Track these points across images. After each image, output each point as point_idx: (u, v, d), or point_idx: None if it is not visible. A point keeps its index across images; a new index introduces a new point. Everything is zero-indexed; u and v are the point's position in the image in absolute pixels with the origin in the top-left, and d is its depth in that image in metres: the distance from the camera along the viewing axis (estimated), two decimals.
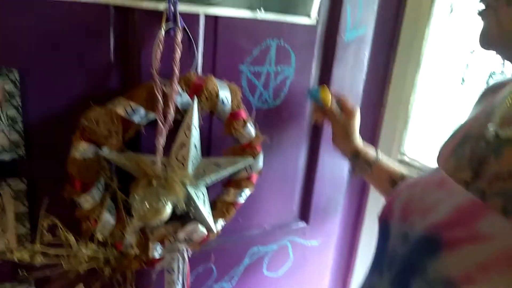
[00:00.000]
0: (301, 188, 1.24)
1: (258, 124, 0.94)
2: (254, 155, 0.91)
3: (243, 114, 0.87)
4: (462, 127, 0.61)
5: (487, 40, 0.51)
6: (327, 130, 1.17)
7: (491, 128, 0.51)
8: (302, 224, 1.27)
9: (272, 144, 1.09)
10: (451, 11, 1.15)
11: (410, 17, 1.17)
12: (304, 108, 1.11)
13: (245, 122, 0.87)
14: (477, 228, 0.42)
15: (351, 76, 1.14)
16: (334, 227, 1.37)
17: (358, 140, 0.95)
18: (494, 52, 0.53)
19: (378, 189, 0.94)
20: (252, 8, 0.87)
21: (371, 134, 1.35)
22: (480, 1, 0.52)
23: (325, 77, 1.09)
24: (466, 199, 0.47)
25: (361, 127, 1.29)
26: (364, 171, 0.93)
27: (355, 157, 0.94)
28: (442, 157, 0.60)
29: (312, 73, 1.07)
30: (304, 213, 1.28)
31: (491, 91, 0.63)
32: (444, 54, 1.20)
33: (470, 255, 0.42)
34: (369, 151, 0.94)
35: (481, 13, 0.51)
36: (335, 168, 1.27)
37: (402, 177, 0.86)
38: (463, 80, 1.20)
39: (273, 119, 1.05)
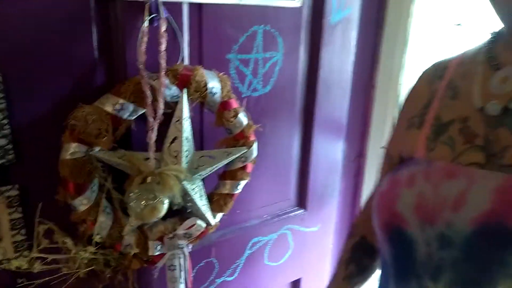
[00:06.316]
0: (297, 174, 1.23)
1: (249, 112, 0.93)
2: (248, 145, 0.90)
3: (234, 103, 0.86)
4: (419, 116, 0.59)
5: None
6: (320, 114, 1.16)
7: (489, 105, 0.50)
8: (300, 211, 1.27)
9: (265, 131, 1.08)
10: None
11: None
12: (295, 93, 1.10)
13: (236, 112, 0.86)
14: None
15: (340, 58, 1.13)
16: (332, 212, 1.37)
17: None
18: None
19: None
20: None
21: (363, 116, 1.34)
22: None
23: (313, 60, 1.08)
24: (500, 179, 0.44)
25: (353, 109, 1.29)
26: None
27: None
28: (419, 149, 0.57)
29: (300, 57, 1.06)
30: (302, 200, 1.27)
31: (437, 77, 0.61)
32: (430, 31, 1.20)
33: None
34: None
35: None
36: (329, 152, 1.26)
37: None
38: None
39: (264, 106, 1.04)
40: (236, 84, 0.96)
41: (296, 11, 0.98)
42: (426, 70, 0.67)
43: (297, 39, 1.03)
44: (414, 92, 0.67)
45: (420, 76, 0.67)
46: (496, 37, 0.56)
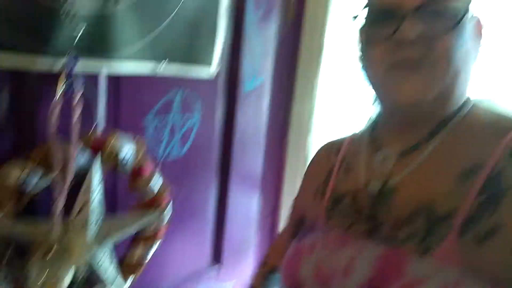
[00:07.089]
0: (213, 231, 1.25)
1: (165, 174, 0.94)
2: (161, 209, 0.91)
3: (148, 169, 0.87)
4: (322, 187, 0.66)
5: (422, 102, 0.51)
6: (235, 173, 1.21)
7: (372, 182, 0.57)
8: (215, 267, 1.28)
9: (181, 191, 1.09)
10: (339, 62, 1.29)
11: (303, 66, 1.29)
12: (211, 153, 1.14)
13: (149, 177, 0.87)
14: (408, 275, 0.45)
15: (254, 121, 1.20)
16: (247, 266, 1.40)
17: None
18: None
19: None
20: (155, 60, 0.89)
21: (277, 173, 1.42)
22: (402, 63, 0.51)
23: (229, 124, 1.14)
24: (381, 250, 0.50)
25: (267, 167, 1.36)
26: None
27: None
28: (321, 218, 0.63)
29: (217, 120, 1.11)
30: (218, 256, 1.29)
31: (334, 153, 0.69)
32: (334, 97, 1.34)
33: None
34: None
35: (407, 72, 0.51)
36: (245, 208, 1.31)
37: None
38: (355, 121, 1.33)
39: (181, 167, 1.06)
40: (153, 147, 0.98)
41: (212, 80, 1.04)
42: (324, 145, 0.74)
43: (213, 104, 1.08)
44: (316, 165, 0.74)
45: (320, 151, 0.75)
46: (377, 119, 0.64)
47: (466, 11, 0.50)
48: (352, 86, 1.31)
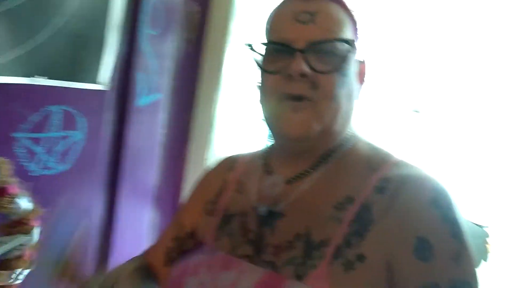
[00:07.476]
0: (99, 250, 1.19)
1: (42, 192, 0.87)
2: (27, 231, 0.84)
3: (11, 189, 0.80)
4: (212, 203, 0.65)
5: (307, 135, 0.53)
6: (126, 187, 1.17)
7: (260, 205, 0.58)
8: None
9: (61, 211, 1.02)
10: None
11: (204, 83, 1.29)
12: (98, 170, 1.08)
13: (13, 197, 0.80)
14: None
15: (148, 137, 1.17)
16: None
17: None
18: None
19: None
20: (30, 73, 0.82)
21: (175, 187, 1.40)
22: (291, 95, 0.53)
23: (118, 140, 1.09)
24: (261, 273, 0.51)
25: (165, 181, 1.33)
26: None
27: None
28: (209, 238, 0.62)
29: (104, 136, 1.06)
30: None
31: (228, 169, 0.67)
32: (234, 113, 1.36)
33: None
34: None
35: (294, 106, 0.53)
36: (137, 223, 1.27)
37: None
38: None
39: (62, 184, 1.00)
40: (25, 163, 0.90)
41: (100, 93, 0.99)
42: (219, 160, 0.72)
43: (101, 119, 1.03)
44: (208, 178, 0.71)
45: (214, 165, 0.72)
46: (272, 147, 0.65)
47: (351, 53, 0.54)
48: (251, 103, 1.33)
